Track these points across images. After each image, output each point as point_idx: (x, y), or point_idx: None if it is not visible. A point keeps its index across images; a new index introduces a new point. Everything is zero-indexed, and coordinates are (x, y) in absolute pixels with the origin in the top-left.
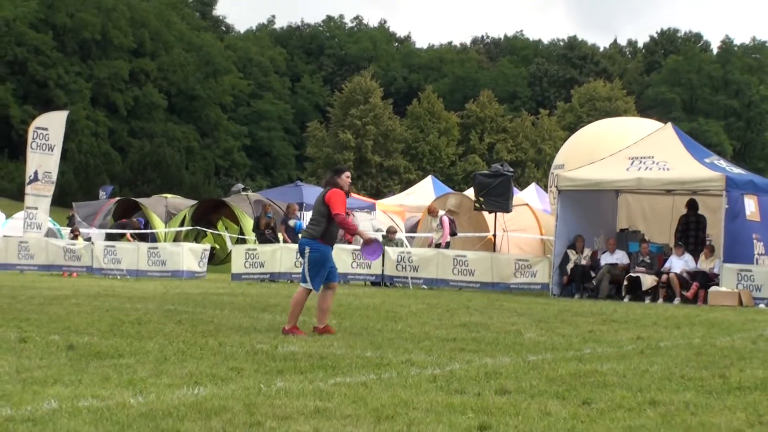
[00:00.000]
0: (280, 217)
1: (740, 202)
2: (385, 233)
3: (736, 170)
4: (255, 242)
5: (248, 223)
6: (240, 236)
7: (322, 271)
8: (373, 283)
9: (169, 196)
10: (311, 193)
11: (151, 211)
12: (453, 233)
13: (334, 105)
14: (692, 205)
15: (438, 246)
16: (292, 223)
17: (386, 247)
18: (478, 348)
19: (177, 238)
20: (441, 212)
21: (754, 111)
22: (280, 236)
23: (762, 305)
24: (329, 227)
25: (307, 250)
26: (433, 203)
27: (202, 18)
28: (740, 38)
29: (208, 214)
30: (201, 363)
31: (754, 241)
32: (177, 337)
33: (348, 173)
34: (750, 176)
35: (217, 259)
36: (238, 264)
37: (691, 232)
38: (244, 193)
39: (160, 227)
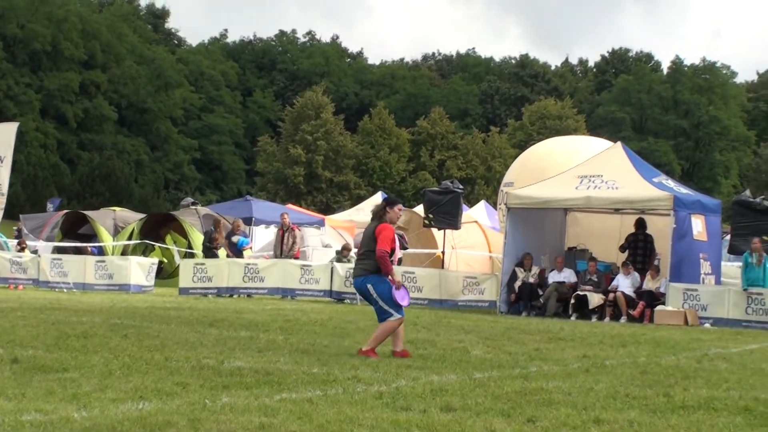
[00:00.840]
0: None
1: (687, 222)
2: (339, 250)
3: (684, 190)
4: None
5: (197, 237)
6: (188, 250)
7: (393, 296)
8: (339, 300)
9: (117, 209)
10: (261, 207)
11: (99, 224)
12: (403, 248)
13: (285, 120)
14: (641, 224)
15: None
16: (235, 239)
17: (335, 263)
18: (425, 365)
19: (125, 251)
20: None
21: (702, 131)
22: (222, 252)
23: (707, 324)
24: None
25: (370, 287)
26: None
27: (154, 31)
28: (690, 59)
29: (157, 228)
30: (146, 378)
31: (701, 260)
32: (123, 351)
33: (400, 206)
34: (698, 196)
35: (165, 273)
36: (185, 278)
37: (639, 251)
38: (193, 207)
39: (107, 240)
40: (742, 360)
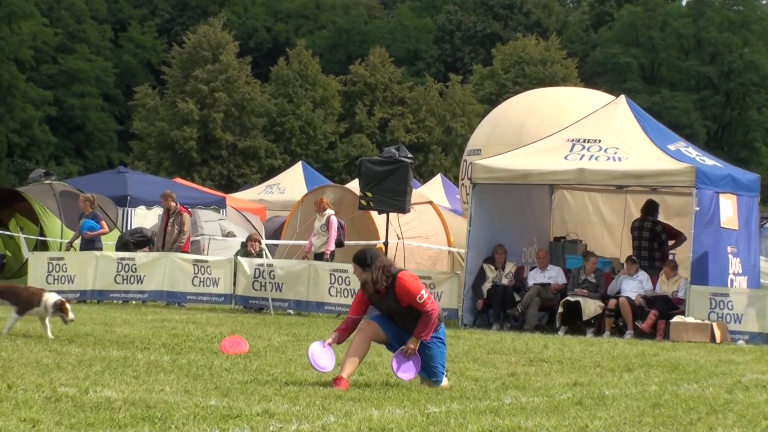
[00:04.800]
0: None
1: (714, 204)
2: (243, 241)
3: (710, 161)
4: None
5: (52, 222)
6: (41, 238)
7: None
8: (246, 307)
9: None
10: (139, 182)
11: None
12: (340, 243)
13: (171, 64)
14: (648, 209)
15: (320, 257)
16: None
17: (240, 259)
18: (361, 395)
19: None
20: (329, 211)
21: (735, 82)
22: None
23: (741, 342)
24: None
25: None
26: (320, 197)
27: None
28: None
29: None
30: None
31: (729, 256)
32: None
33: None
34: (728, 169)
35: (9, 269)
36: (37, 277)
37: (644, 243)
38: (47, 182)
39: None
40: None
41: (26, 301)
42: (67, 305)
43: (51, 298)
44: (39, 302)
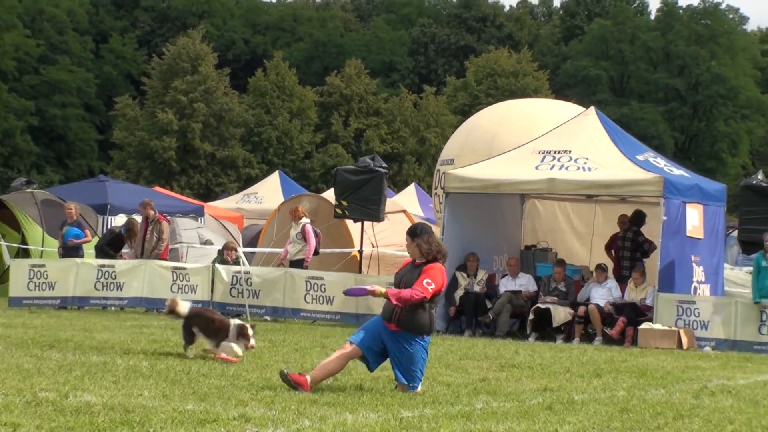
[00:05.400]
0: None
1: (681, 213)
2: (220, 249)
3: (678, 172)
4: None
5: (33, 230)
6: (22, 246)
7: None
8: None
9: None
10: (119, 191)
11: None
12: (315, 251)
13: (151, 75)
14: (635, 219)
15: (298, 264)
16: (64, 229)
17: (218, 266)
18: (336, 400)
19: None
20: (305, 219)
21: (702, 94)
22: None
23: (707, 348)
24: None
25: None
26: (296, 206)
27: None
28: None
29: None
30: None
31: (693, 264)
32: None
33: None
34: (696, 179)
35: None
36: (18, 285)
37: (625, 252)
38: (29, 190)
39: None
40: (753, 395)
41: (216, 332)
42: (249, 330)
43: (234, 324)
44: (228, 332)
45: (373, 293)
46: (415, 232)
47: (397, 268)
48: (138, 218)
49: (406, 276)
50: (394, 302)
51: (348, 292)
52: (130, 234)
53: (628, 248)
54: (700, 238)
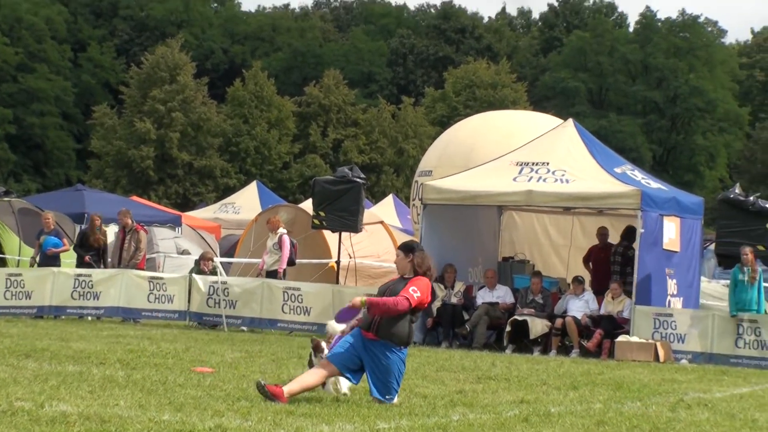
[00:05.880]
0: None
1: (659, 226)
2: (197, 259)
3: (656, 184)
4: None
5: (10, 239)
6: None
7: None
8: (199, 324)
9: None
10: (96, 200)
11: None
12: (291, 262)
13: (129, 84)
14: (626, 234)
15: (275, 274)
16: (44, 239)
17: (195, 276)
18: (312, 411)
19: None
20: (282, 230)
21: (680, 107)
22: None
23: (684, 361)
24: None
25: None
26: (273, 216)
27: None
28: (665, 11)
29: None
30: None
31: (667, 277)
32: None
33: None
34: (673, 192)
35: None
36: None
37: (615, 267)
38: (6, 199)
39: None
40: (729, 408)
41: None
42: (323, 345)
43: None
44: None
45: (353, 305)
46: (412, 248)
47: (375, 279)
48: (98, 218)
49: (393, 287)
50: (376, 312)
51: (339, 318)
52: (89, 234)
53: (619, 262)
54: (676, 251)
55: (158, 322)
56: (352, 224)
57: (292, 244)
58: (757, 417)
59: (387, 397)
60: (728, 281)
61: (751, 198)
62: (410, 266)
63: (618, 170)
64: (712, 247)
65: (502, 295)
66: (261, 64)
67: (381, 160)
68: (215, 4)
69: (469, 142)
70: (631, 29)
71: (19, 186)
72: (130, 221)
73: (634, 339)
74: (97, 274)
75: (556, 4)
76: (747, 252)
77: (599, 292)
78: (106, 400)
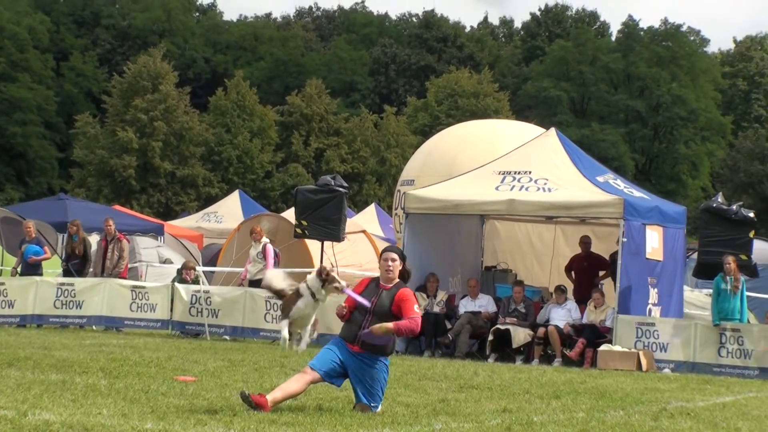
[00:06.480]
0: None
1: (641, 235)
2: (179, 268)
3: (638, 193)
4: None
5: None
6: None
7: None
8: (182, 333)
9: None
10: (79, 209)
11: None
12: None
13: (112, 93)
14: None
15: (258, 284)
16: (24, 247)
17: (177, 285)
18: (294, 420)
19: None
20: (265, 239)
21: (663, 116)
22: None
23: (667, 370)
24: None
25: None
26: (256, 225)
27: None
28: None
29: None
30: None
31: (649, 286)
32: None
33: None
34: (656, 201)
35: None
36: None
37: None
38: None
39: None
40: (712, 417)
41: None
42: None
43: None
44: None
45: (389, 331)
46: (404, 255)
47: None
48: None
49: (381, 300)
50: (399, 336)
51: (366, 336)
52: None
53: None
54: (659, 260)
55: (141, 331)
56: (335, 233)
57: (276, 254)
58: (740, 426)
59: (372, 404)
60: (710, 290)
61: (734, 207)
62: (399, 273)
63: (600, 179)
64: (695, 256)
65: (484, 304)
66: (243, 73)
67: (363, 169)
68: (197, 14)
69: (451, 151)
70: (613, 38)
71: (2, 195)
72: (113, 230)
73: (617, 348)
74: (79, 283)
75: (538, 13)
76: (729, 261)
77: (581, 301)
78: (89, 409)
